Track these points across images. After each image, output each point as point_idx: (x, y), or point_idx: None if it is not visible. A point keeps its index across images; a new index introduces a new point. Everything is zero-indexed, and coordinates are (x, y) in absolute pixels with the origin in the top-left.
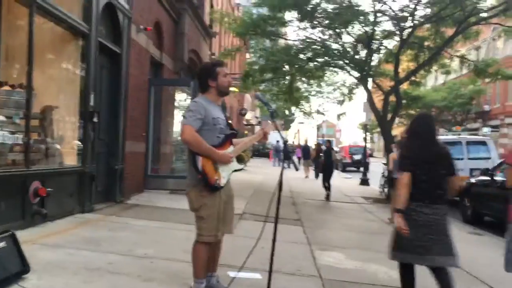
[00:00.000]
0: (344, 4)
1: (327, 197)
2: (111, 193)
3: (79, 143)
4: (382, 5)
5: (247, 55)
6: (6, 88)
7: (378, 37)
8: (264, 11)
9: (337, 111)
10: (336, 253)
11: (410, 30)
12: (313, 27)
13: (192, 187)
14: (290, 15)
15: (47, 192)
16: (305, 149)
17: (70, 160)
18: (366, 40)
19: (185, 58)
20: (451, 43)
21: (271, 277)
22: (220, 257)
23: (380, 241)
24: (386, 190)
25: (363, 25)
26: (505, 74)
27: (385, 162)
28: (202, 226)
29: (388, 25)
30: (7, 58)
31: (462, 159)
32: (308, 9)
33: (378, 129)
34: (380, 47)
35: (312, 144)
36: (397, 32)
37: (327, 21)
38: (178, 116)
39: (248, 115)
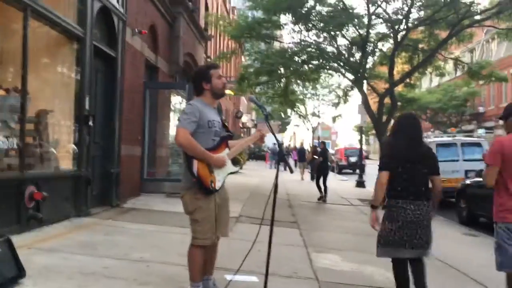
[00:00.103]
0: (338, 7)
1: (320, 199)
2: (107, 197)
3: (75, 147)
4: (376, 8)
5: (243, 58)
6: (1, 92)
7: (372, 39)
8: (259, 14)
9: (333, 114)
10: (333, 255)
11: (404, 32)
12: (308, 30)
13: (187, 190)
14: (285, 18)
15: (43, 197)
16: (300, 151)
17: (66, 164)
18: (361, 42)
19: (181, 61)
20: (445, 46)
21: (267, 280)
22: (217, 260)
23: None
24: None
25: (358, 27)
26: (498, 76)
27: None
28: (197, 229)
29: (382, 28)
30: (1, 62)
31: (457, 160)
32: (303, 12)
33: (374, 131)
34: (375, 49)
35: (307, 146)
36: (391, 35)
37: (321, 24)
38: (174, 119)
39: (244, 118)
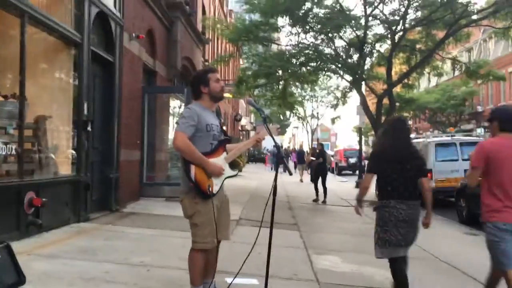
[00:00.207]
0: (335, 9)
1: (316, 200)
2: (107, 202)
3: (73, 152)
4: (373, 9)
5: (241, 61)
6: None
7: (370, 40)
8: (256, 17)
9: (332, 115)
10: (333, 257)
11: (401, 33)
12: (305, 32)
13: (185, 194)
14: (282, 21)
15: (42, 202)
16: (300, 153)
17: (65, 169)
18: (358, 44)
19: (179, 65)
20: (443, 46)
21: (267, 282)
22: (217, 264)
23: None
24: None
25: (355, 29)
26: (496, 75)
27: None
28: (196, 233)
29: (379, 29)
30: None
31: (456, 160)
32: (300, 14)
33: (373, 132)
34: (372, 50)
35: (307, 148)
36: (389, 36)
37: (319, 26)
38: (173, 123)
39: (243, 121)
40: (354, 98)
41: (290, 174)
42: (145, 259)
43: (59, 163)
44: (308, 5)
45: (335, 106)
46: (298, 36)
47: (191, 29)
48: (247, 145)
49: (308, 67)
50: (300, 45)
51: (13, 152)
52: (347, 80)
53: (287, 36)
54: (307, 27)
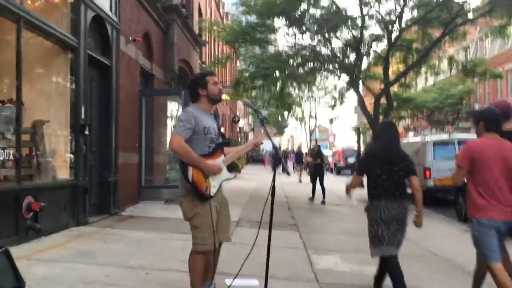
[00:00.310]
0: (331, 10)
1: (311, 199)
2: (105, 205)
3: (71, 156)
4: (370, 9)
5: (238, 63)
6: None
7: (366, 41)
8: (253, 18)
9: (330, 115)
10: (333, 257)
11: (397, 33)
12: (302, 33)
13: (184, 196)
14: (279, 22)
15: (41, 207)
16: (298, 154)
17: (63, 173)
18: (355, 44)
19: (176, 68)
20: (439, 44)
21: (267, 283)
22: (217, 265)
23: None
24: None
25: (351, 29)
26: (493, 73)
27: None
28: (196, 235)
29: (376, 29)
30: None
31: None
32: (296, 15)
33: (371, 132)
34: (369, 50)
35: (306, 149)
36: (385, 35)
37: (315, 27)
38: (170, 126)
39: (241, 122)
40: (351, 98)
41: (288, 174)
42: (144, 262)
43: (57, 167)
44: (304, 6)
45: (332, 107)
46: (295, 37)
47: (187, 31)
48: (245, 148)
49: (305, 68)
50: (297, 46)
51: (11, 157)
52: (344, 81)
53: (284, 36)
54: (304, 28)
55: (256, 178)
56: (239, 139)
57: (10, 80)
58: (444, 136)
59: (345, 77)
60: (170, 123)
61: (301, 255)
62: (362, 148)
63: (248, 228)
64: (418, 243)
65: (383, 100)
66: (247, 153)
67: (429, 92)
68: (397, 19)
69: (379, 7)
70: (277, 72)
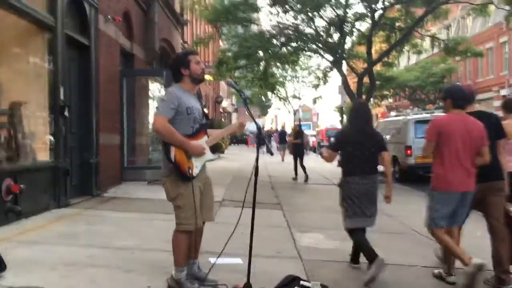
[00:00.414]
0: None
1: (295, 179)
2: (87, 187)
3: (51, 138)
4: None
5: (221, 43)
6: None
7: (350, 19)
8: None
9: (313, 95)
10: (316, 234)
11: (381, 11)
12: (285, 12)
13: (167, 177)
14: (262, 1)
15: (20, 189)
16: (281, 134)
17: (43, 155)
18: (338, 23)
19: (157, 47)
20: (422, 23)
21: (251, 261)
22: (201, 244)
23: None
24: None
25: (335, 8)
26: (474, 52)
27: None
28: (180, 215)
29: (359, 8)
30: None
31: None
32: None
33: None
34: (353, 29)
35: (289, 129)
36: (369, 14)
37: (298, 6)
38: (152, 107)
39: (224, 103)
40: (335, 77)
41: (272, 154)
42: (128, 243)
43: (37, 149)
44: None
45: (316, 86)
46: (278, 16)
47: (168, 10)
48: (228, 130)
49: (289, 47)
50: (280, 25)
51: None
52: (327, 60)
53: (267, 16)
54: (287, 6)
55: (239, 158)
56: (223, 119)
57: None
58: (425, 115)
59: (328, 57)
60: (152, 104)
61: (284, 233)
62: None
63: (232, 208)
64: (402, 220)
65: (366, 80)
66: (230, 134)
67: (411, 71)
68: None
69: None
70: (260, 52)
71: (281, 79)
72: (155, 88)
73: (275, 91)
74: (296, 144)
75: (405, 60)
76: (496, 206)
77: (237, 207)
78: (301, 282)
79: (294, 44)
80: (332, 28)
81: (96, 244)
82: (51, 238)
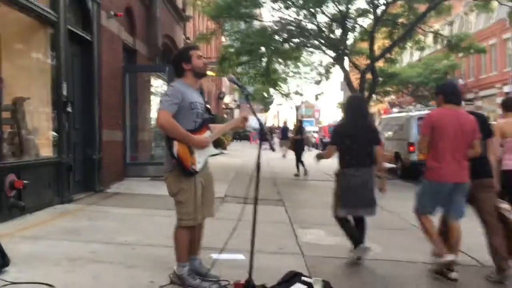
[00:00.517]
0: None
1: (296, 175)
2: (90, 183)
3: (54, 133)
4: None
5: (223, 39)
6: None
7: (352, 15)
8: None
9: (315, 92)
10: (317, 230)
11: (383, 7)
12: (287, 8)
13: (169, 172)
14: None
15: (24, 185)
16: (284, 130)
17: (46, 151)
18: (341, 19)
19: (159, 43)
20: (424, 19)
21: (253, 257)
22: (203, 240)
23: None
24: None
25: (337, 4)
26: (477, 48)
27: None
28: (181, 210)
29: (362, 3)
30: None
31: None
32: None
33: None
34: (355, 25)
35: (291, 125)
36: (371, 10)
37: (301, 1)
38: (155, 103)
39: (227, 99)
40: (337, 74)
41: (273, 150)
42: (130, 238)
43: (40, 144)
44: None
45: (318, 82)
46: (281, 12)
47: (171, 6)
48: (230, 125)
49: (291, 43)
50: (282, 21)
51: None
52: (330, 56)
53: (269, 11)
54: (289, 2)
55: (242, 154)
56: (225, 115)
57: None
58: (428, 112)
59: (331, 53)
60: (154, 100)
61: (286, 229)
62: None
63: (234, 204)
64: (403, 217)
65: (368, 76)
66: (233, 129)
67: (414, 67)
68: None
69: None
70: (263, 48)
71: (283, 75)
72: (158, 84)
73: (277, 88)
74: (296, 140)
75: (408, 57)
76: (486, 202)
77: (240, 203)
78: (303, 278)
79: (296, 40)
80: (334, 24)
81: (99, 240)
82: (54, 233)
